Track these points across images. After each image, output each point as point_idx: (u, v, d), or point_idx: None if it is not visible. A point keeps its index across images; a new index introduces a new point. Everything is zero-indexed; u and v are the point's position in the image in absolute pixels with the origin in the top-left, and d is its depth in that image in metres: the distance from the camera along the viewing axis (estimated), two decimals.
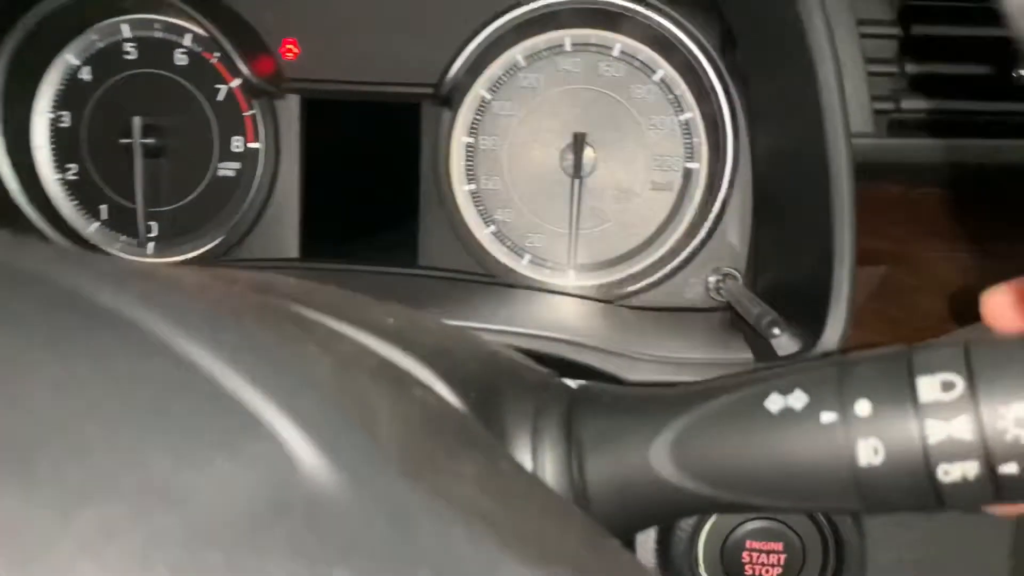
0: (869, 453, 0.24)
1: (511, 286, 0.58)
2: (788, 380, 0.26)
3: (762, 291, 0.53)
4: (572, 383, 0.32)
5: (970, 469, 0.23)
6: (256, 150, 0.60)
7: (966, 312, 0.48)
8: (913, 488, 0.24)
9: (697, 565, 0.45)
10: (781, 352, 0.44)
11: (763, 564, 0.45)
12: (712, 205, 0.56)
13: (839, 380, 0.25)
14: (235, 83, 0.59)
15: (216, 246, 0.60)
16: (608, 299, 0.57)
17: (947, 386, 0.23)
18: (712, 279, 0.56)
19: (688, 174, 0.57)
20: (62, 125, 0.61)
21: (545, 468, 0.29)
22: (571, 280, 0.58)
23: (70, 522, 0.14)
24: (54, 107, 0.61)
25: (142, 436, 0.16)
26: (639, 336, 0.52)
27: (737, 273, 0.56)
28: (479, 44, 0.55)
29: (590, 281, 0.58)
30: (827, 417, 0.25)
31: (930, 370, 0.24)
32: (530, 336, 0.49)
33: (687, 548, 0.45)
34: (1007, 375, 0.23)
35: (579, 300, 0.57)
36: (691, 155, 0.57)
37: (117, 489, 0.15)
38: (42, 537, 0.14)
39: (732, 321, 0.53)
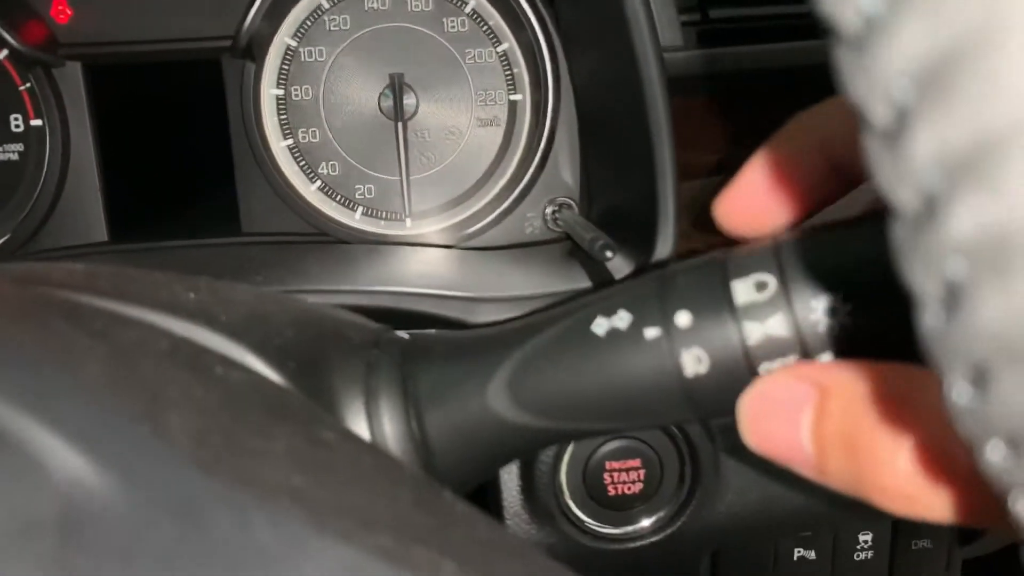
0: (694, 363, 0.24)
1: (343, 242, 0.55)
2: (611, 301, 0.26)
3: (597, 217, 0.53)
4: (405, 335, 0.31)
5: (790, 364, 0.23)
6: (40, 128, 0.54)
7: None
8: (740, 390, 0.24)
9: (562, 493, 0.46)
10: (617, 275, 0.44)
11: (624, 482, 0.45)
12: (540, 136, 0.55)
13: (659, 294, 0.25)
14: (2, 54, 0.53)
15: (8, 240, 0.54)
16: (448, 244, 0.56)
17: (760, 286, 0.23)
18: (549, 210, 0.55)
19: (513, 107, 0.56)
20: None
21: (384, 430, 0.27)
22: (408, 229, 0.56)
23: None
24: None
25: None
26: (480, 277, 0.51)
27: (572, 202, 0.55)
28: None
29: (428, 228, 0.56)
30: (651, 333, 0.24)
31: (744, 272, 0.24)
32: (366, 292, 0.47)
33: (550, 479, 0.45)
34: (814, 267, 0.23)
35: (417, 248, 0.55)
36: (513, 87, 0.56)
37: None
38: None
39: (572, 251, 0.53)
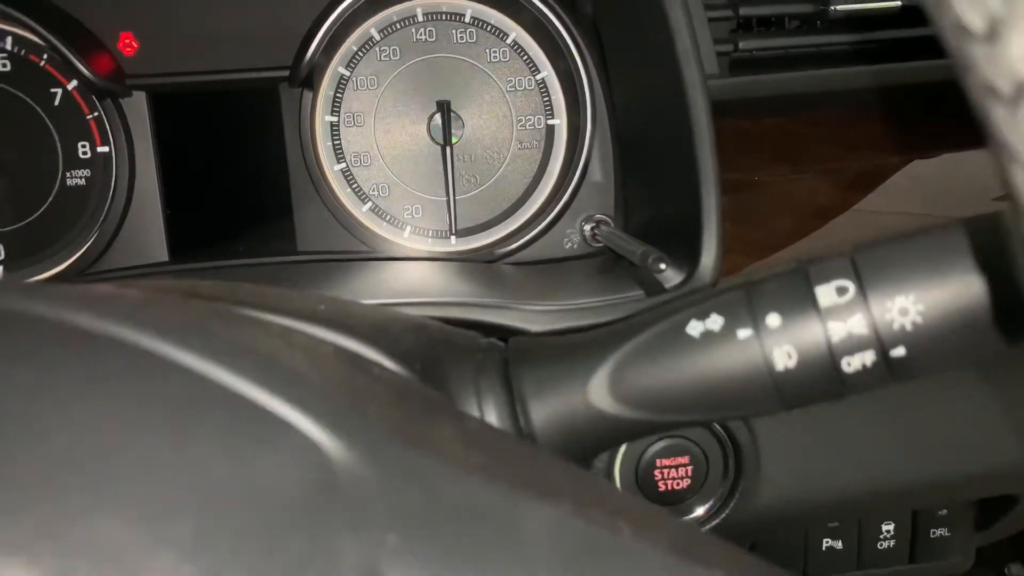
0: (784, 358, 0.28)
1: (392, 259, 0.58)
2: (703, 307, 0.29)
3: (634, 232, 0.57)
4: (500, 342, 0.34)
5: (868, 357, 0.27)
6: (106, 154, 0.57)
7: (814, 224, 0.54)
8: (823, 381, 0.27)
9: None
10: (667, 284, 0.47)
11: (673, 478, 0.49)
12: (577, 158, 0.59)
13: (748, 300, 0.29)
14: (72, 85, 0.56)
15: (77, 260, 0.57)
16: (491, 259, 0.59)
17: (841, 291, 0.27)
18: (587, 227, 0.59)
19: (550, 130, 0.60)
20: None
21: (492, 422, 0.31)
22: (453, 246, 0.60)
23: (166, 534, 0.14)
24: None
25: (198, 450, 0.16)
26: (523, 289, 0.55)
27: (608, 219, 0.59)
28: (333, 21, 0.55)
29: (472, 245, 0.60)
30: (743, 333, 0.28)
31: (825, 279, 0.27)
32: (415, 304, 0.50)
33: (605, 476, 0.48)
34: (888, 273, 0.27)
35: (463, 264, 0.58)
36: (551, 112, 0.59)
37: (190, 501, 0.15)
38: (141, 553, 0.14)
39: (609, 263, 0.57)
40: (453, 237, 0.60)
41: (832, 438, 0.50)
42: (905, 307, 0.26)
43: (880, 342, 0.27)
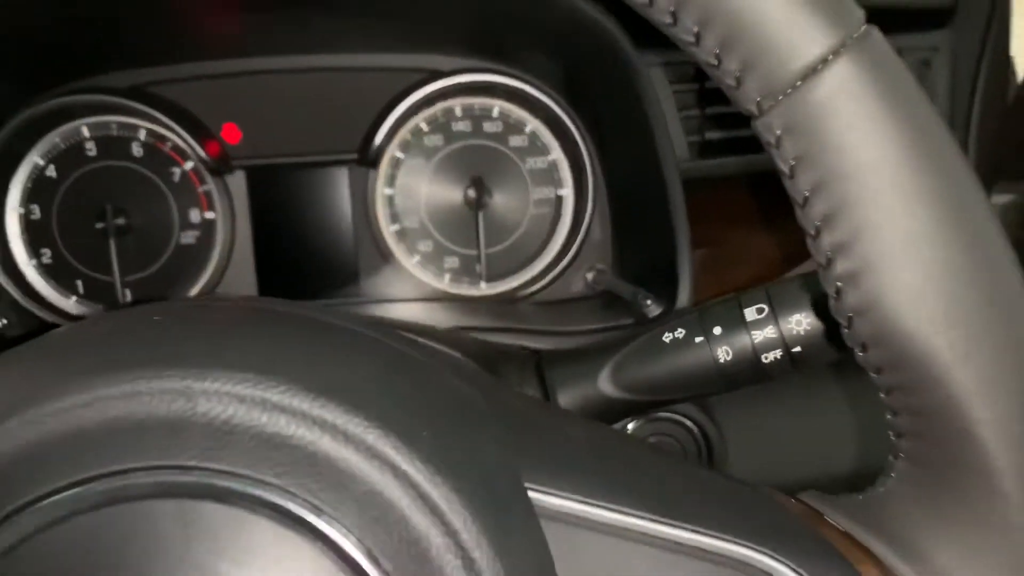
0: (724, 355, 0.43)
1: (439, 300, 0.74)
2: (672, 324, 0.45)
3: (626, 278, 0.72)
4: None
5: (778, 353, 0.42)
6: (212, 220, 0.72)
7: (766, 275, 0.70)
8: (749, 370, 0.43)
9: None
10: (651, 315, 0.63)
11: None
12: (580, 220, 0.74)
13: (701, 318, 0.44)
14: (188, 166, 0.72)
15: None
16: (514, 300, 0.74)
17: (760, 311, 0.42)
18: (589, 275, 0.75)
19: (560, 199, 0.76)
20: (33, 217, 0.71)
21: None
22: (484, 290, 0.75)
23: None
24: (24, 202, 0.70)
25: None
26: (543, 321, 0.70)
27: (606, 268, 0.75)
28: (393, 117, 0.71)
29: (499, 289, 0.75)
30: (698, 340, 0.43)
31: (750, 304, 0.43)
32: (469, 330, 0.65)
33: None
34: (789, 300, 0.42)
35: (492, 303, 0.74)
36: (560, 185, 0.75)
37: None
38: None
39: (608, 302, 0.72)
40: (483, 283, 0.75)
41: (782, 434, 0.64)
42: (800, 320, 0.42)
43: (785, 343, 0.42)
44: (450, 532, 0.24)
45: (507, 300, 0.74)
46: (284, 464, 0.23)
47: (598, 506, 0.28)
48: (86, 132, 0.70)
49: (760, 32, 0.25)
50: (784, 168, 0.27)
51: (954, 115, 0.79)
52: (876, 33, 0.26)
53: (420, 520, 0.23)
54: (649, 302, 0.60)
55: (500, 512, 0.25)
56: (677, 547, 0.28)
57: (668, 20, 0.27)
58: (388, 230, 0.74)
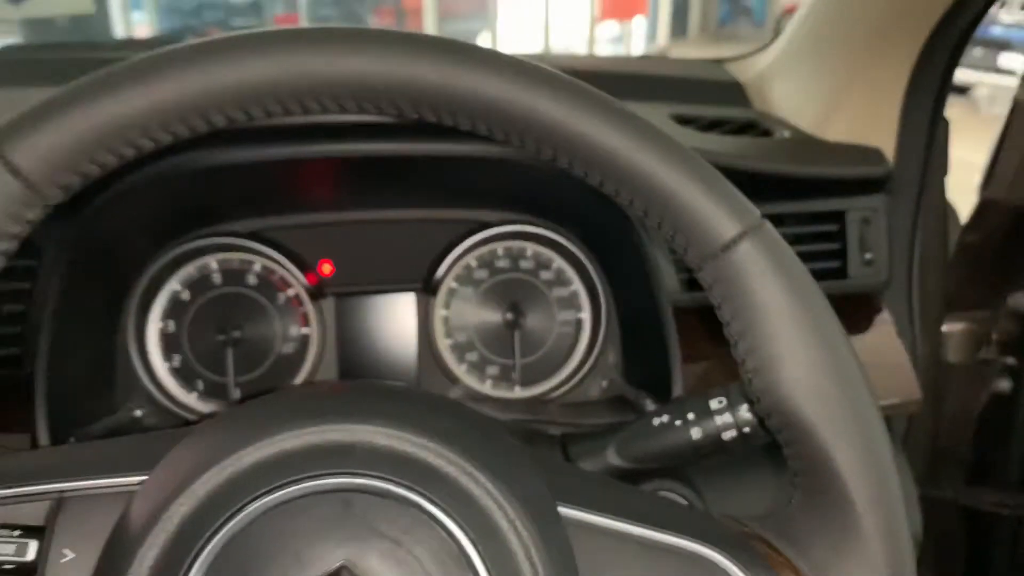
0: (697, 433, 0.61)
1: (479, 400, 0.92)
2: (659, 411, 0.63)
3: (632, 383, 0.91)
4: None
5: (734, 432, 0.60)
6: (308, 334, 0.92)
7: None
8: (715, 444, 0.60)
9: None
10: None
11: None
12: (596, 338, 0.94)
13: (680, 407, 0.62)
14: (291, 292, 0.92)
15: None
16: (543, 401, 0.93)
17: (720, 402, 0.60)
18: (604, 383, 0.93)
19: (579, 321, 0.95)
20: (168, 331, 0.91)
21: None
22: (518, 392, 0.94)
23: None
24: (162, 318, 0.91)
25: None
26: (565, 417, 0.88)
27: (617, 377, 0.94)
28: (451, 257, 0.92)
29: (531, 392, 0.94)
30: (678, 423, 0.62)
31: (713, 397, 0.61)
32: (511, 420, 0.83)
33: None
34: (741, 394, 0.60)
35: (524, 403, 0.92)
36: (580, 310, 0.95)
37: None
38: None
39: (617, 403, 0.91)
40: (518, 387, 0.94)
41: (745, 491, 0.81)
42: (747, 408, 0.60)
43: (738, 425, 0.60)
44: (510, 521, 0.41)
45: (537, 401, 0.93)
46: (416, 475, 0.41)
47: (603, 516, 0.45)
48: (214, 265, 0.91)
49: (695, 223, 0.44)
50: (715, 303, 0.45)
51: (894, 263, 0.99)
52: (768, 225, 0.45)
53: (494, 512, 0.40)
54: (648, 402, 0.79)
55: (541, 512, 0.43)
56: (655, 545, 0.45)
57: (627, 204, 0.43)
58: (443, 343, 0.94)
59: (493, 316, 0.94)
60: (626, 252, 0.87)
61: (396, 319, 0.94)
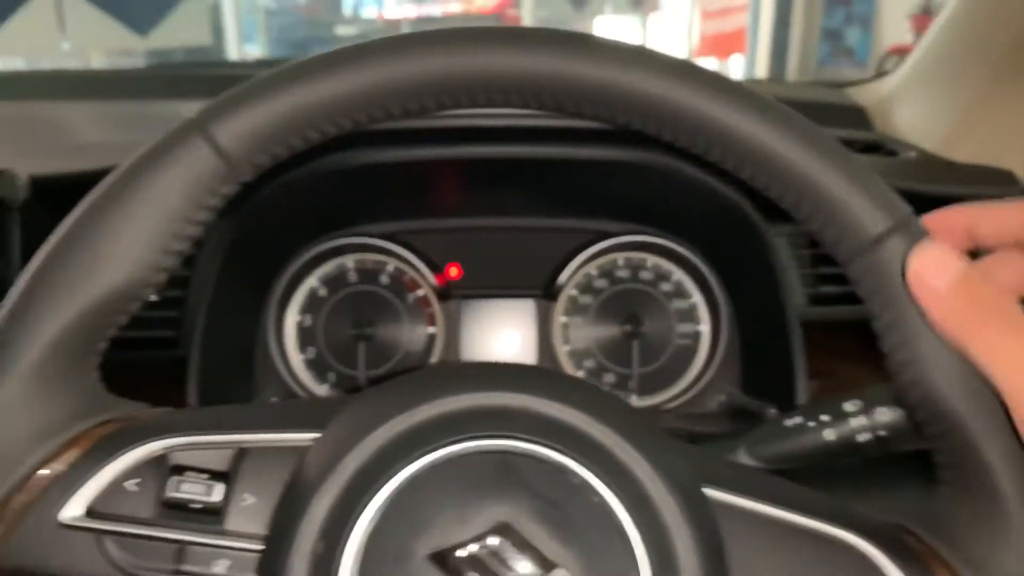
0: (829, 435, 0.60)
1: None
2: (791, 414, 0.63)
3: (751, 396, 0.90)
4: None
5: (867, 435, 0.59)
6: (434, 333, 0.96)
7: None
8: (848, 447, 0.60)
9: None
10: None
11: None
12: (716, 351, 0.94)
13: (812, 410, 0.62)
14: (420, 292, 0.96)
15: None
16: (659, 412, 0.94)
17: (855, 405, 0.60)
18: (722, 396, 0.93)
19: (697, 333, 0.96)
20: (305, 325, 0.96)
21: None
22: (634, 402, 0.95)
23: None
24: (300, 312, 0.96)
25: None
26: (682, 425, 0.89)
27: (736, 389, 0.93)
28: (573, 265, 0.94)
29: (647, 402, 0.95)
30: (811, 424, 0.61)
31: (849, 400, 0.61)
32: None
33: None
34: (877, 398, 0.60)
35: (642, 411, 0.93)
36: (699, 322, 0.96)
37: None
38: None
39: (735, 415, 0.90)
40: (634, 396, 0.95)
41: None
42: (884, 412, 0.60)
43: (873, 429, 0.60)
44: (663, 495, 0.41)
45: (654, 411, 0.94)
46: (573, 443, 0.42)
47: (749, 499, 0.46)
48: (350, 264, 0.96)
49: (846, 217, 0.44)
50: (864, 296, 0.45)
51: None
52: (918, 220, 0.44)
53: (648, 485, 0.42)
54: (774, 413, 0.78)
55: (689, 490, 0.44)
56: (804, 531, 0.45)
57: (777, 197, 0.44)
58: (562, 350, 0.96)
59: (611, 325, 0.96)
60: (751, 265, 0.87)
61: (517, 323, 0.97)
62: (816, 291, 0.88)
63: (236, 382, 0.90)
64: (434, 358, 0.95)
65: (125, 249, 0.42)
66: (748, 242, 0.85)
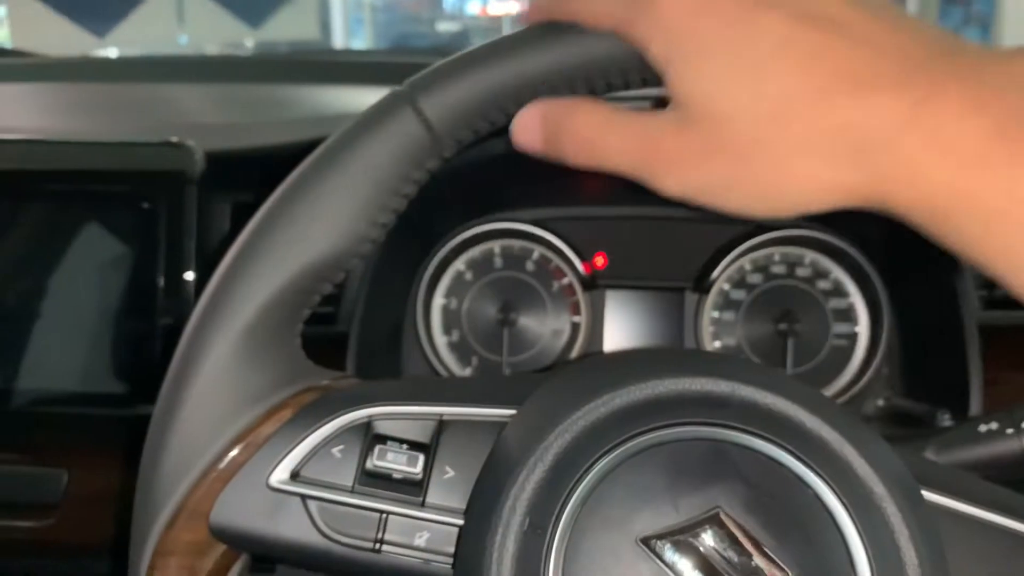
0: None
1: None
2: (986, 418, 0.59)
3: (911, 400, 0.86)
4: None
5: None
6: (578, 323, 0.95)
7: None
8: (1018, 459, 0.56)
9: None
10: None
11: None
12: (874, 354, 0.90)
13: (1011, 416, 0.58)
14: (565, 281, 0.96)
15: None
16: None
17: (999, 420, 0.56)
18: (880, 400, 0.89)
19: (854, 335, 0.92)
20: (451, 307, 0.97)
21: None
22: None
23: None
24: (446, 295, 0.97)
25: None
26: None
27: (892, 395, 0.89)
28: (728, 258, 0.92)
29: None
30: (1009, 431, 0.58)
31: (991, 420, 0.57)
32: None
33: None
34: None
35: None
36: (856, 323, 0.92)
37: None
38: None
39: (895, 418, 0.86)
40: None
41: None
42: None
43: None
44: (886, 495, 0.39)
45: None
46: (789, 436, 0.41)
47: (968, 503, 0.43)
48: (497, 249, 0.97)
49: None
50: None
51: None
52: None
53: (871, 484, 0.40)
54: (946, 418, 0.74)
55: (909, 491, 0.42)
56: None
57: None
58: (711, 345, 0.94)
59: (763, 322, 0.93)
60: (921, 266, 0.83)
61: (663, 316, 0.95)
62: (990, 294, 0.83)
63: (385, 361, 0.92)
64: (576, 348, 0.95)
65: (335, 218, 0.43)
66: (919, 242, 0.81)
